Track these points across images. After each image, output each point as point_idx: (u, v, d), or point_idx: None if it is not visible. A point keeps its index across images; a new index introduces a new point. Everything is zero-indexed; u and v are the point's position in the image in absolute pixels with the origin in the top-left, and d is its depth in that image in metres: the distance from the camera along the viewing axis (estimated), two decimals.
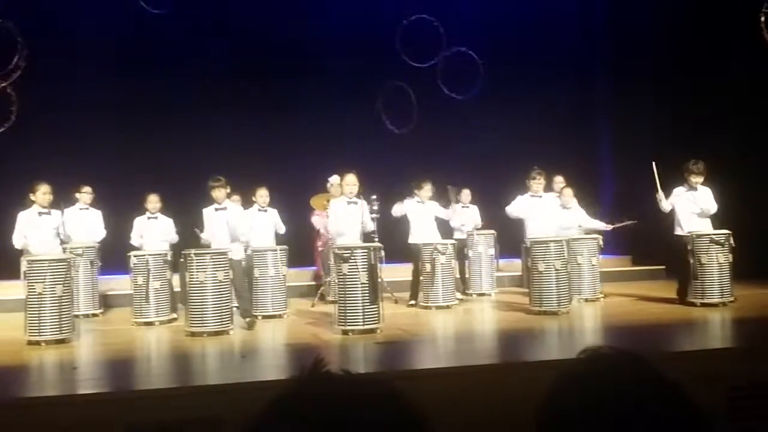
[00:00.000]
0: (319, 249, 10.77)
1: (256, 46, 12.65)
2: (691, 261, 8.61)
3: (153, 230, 9.51)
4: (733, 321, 7.80)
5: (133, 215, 9.60)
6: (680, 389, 1.07)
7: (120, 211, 10.03)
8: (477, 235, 10.91)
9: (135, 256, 8.89)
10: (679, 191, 8.97)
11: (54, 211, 8.48)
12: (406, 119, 11.17)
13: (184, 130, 12.12)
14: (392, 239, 9.45)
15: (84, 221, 9.84)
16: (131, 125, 12.01)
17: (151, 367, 6.66)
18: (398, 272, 10.27)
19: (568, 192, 10.15)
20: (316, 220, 10.66)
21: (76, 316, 8.22)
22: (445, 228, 10.32)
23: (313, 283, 11.15)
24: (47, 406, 4.84)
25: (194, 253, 7.87)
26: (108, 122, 11.91)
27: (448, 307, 9.28)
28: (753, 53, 9.39)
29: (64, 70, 11.70)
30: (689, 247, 8.66)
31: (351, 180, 8.27)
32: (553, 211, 9.43)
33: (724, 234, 8.66)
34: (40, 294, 7.38)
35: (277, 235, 9.79)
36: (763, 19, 8.75)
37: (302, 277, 11.24)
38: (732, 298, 8.56)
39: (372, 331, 7.47)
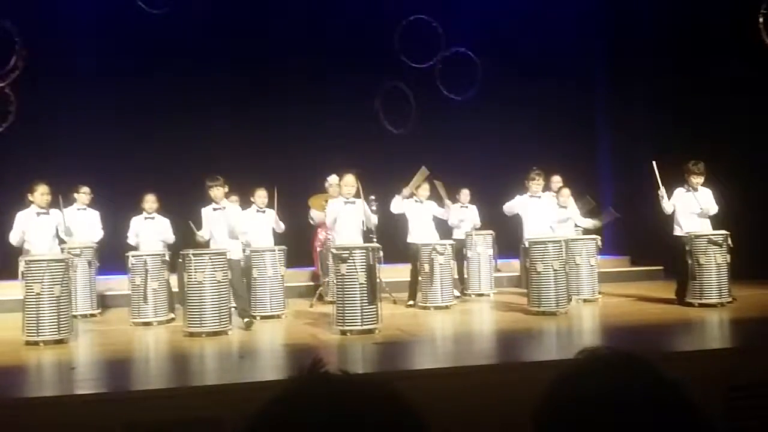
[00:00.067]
0: (318, 249, 10.76)
1: (255, 47, 12.64)
2: (689, 261, 8.62)
3: (150, 230, 9.49)
4: (732, 321, 7.80)
5: (130, 215, 9.59)
6: (680, 389, 1.07)
7: (118, 211, 10.02)
8: (476, 235, 10.92)
9: (133, 256, 8.88)
10: (679, 192, 8.97)
11: (53, 211, 8.46)
12: (405, 119, 11.17)
13: (182, 130, 12.12)
14: (391, 240, 9.45)
15: (82, 221, 9.83)
16: (129, 125, 12.00)
17: (149, 368, 6.65)
18: (397, 273, 10.27)
19: (566, 192, 10.17)
20: (315, 213, 10.62)
21: (74, 317, 8.22)
22: (444, 228, 10.33)
23: (312, 283, 11.14)
24: (45, 406, 4.84)
25: (192, 254, 7.86)
26: (106, 122, 11.90)
27: (446, 307, 9.28)
28: (753, 53, 9.40)
29: (62, 70, 11.69)
30: (687, 248, 8.66)
31: (349, 180, 8.27)
32: (550, 211, 9.45)
33: (722, 234, 8.66)
34: (38, 294, 7.38)
35: (276, 235, 9.78)
36: (761, 20, 8.75)
37: (301, 277, 11.24)
38: (730, 299, 8.56)
39: (370, 331, 7.47)
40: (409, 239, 9.82)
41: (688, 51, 11.47)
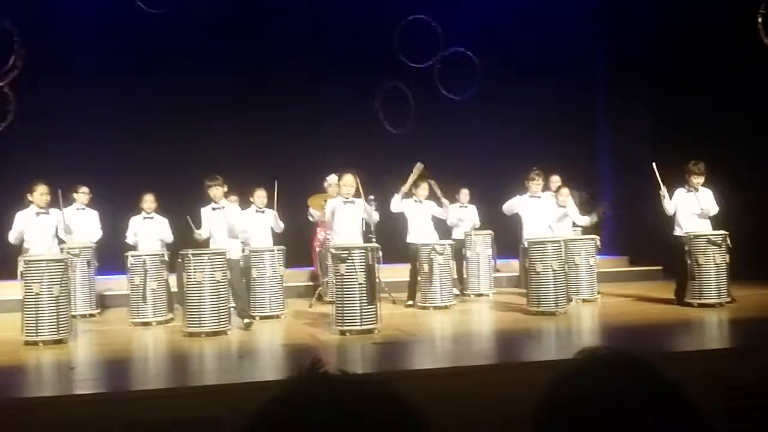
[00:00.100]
0: (317, 249, 10.76)
1: (255, 47, 12.63)
2: (689, 262, 8.62)
3: (148, 230, 9.48)
4: (731, 321, 7.80)
5: (129, 215, 9.58)
6: (679, 389, 1.07)
7: (117, 211, 10.01)
8: (475, 235, 10.91)
9: (132, 256, 8.88)
10: (679, 192, 8.97)
11: (52, 210, 8.46)
12: (404, 119, 11.17)
13: (182, 130, 12.10)
14: (390, 240, 9.45)
15: (81, 221, 9.82)
16: (129, 125, 11.99)
17: (149, 368, 6.66)
18: (396, 273, 10.26)
19: (565, 191, 10.16)
20: (314, 211, 10.60)
21: (74, 317, 8.21)
22: (443, 228, 10.33)
23: (311, 283, 11.14)
24: (44, 406, 4.84)
25: (192, 254, 7.86)
26: (105, 122, 11.89)
27: (445, 307, 9.28)
28: (753, 54, 9.39)
29: (61, 70, 11.68)
30: (686, 248, 8.66)
31: (348, 180, 8.27)
32: (550, 211, 9.46)
33: (721, 234, 8.66)
34: (37, 294, 7.37)
35: (275, 235, 9.76)
36: (760, 20, 8.75)
37: (300, 277, 11.23)
38: (729, 299, 8.56)
39: (370, 331, 7.47)
40: (409, 239, 9.82)
41: (688, 51, 11.47)
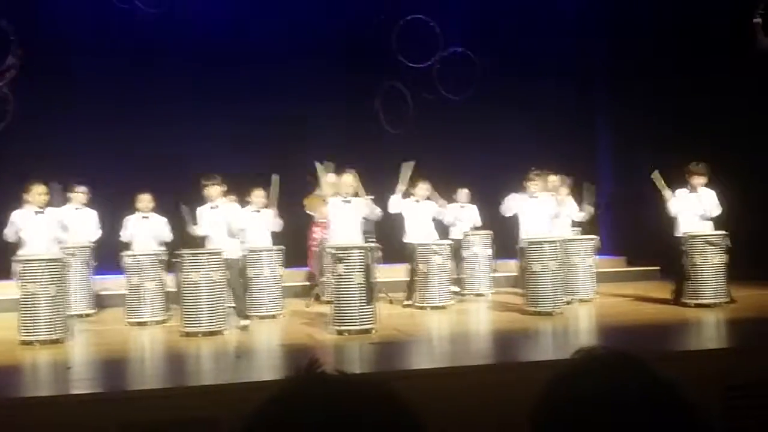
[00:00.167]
0: (313, 249, 10.74)
1: (253, 46, 12.62)
2: (685, 262, 8.61)
3: (145, 230, 9.45)
4: (729, 321, 7.81)
5: (127, 215, 9.56)
6: (676, 389, 1.07)
7: (115, 210, 10.00)
8: (473, 235, 10.91)
9: (129, 256, 8.86)
10: (681, 193, 8.96)
11: (49, 209, 8.44)
12: (403, 119, 11.17)
13: (180, 130, 12.09)
14: (388, 240, 9.44)
15: (78, 221, 9.80)
16: (127, 125, 11.97)
17: (145, 368, 6.65)
18: (394, 272, 10.25)
19: (564, 191, 10.16)
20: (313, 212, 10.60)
21: (70, 316, 8.19)
22: (442, 228, 10.32)
23: (308, 283, 11.13)
24: (41, 406, 4.83)
25: (188, 253, 7.85)
26: (103, 122, 11.87)
27: (443, 307, 9.27)
28: (752, 54, 9.39)
29: (59, 69, 11.67)
30: (684, 248, 8.66)
31: (348, 180, 8.26)
32: (548, 211, 9.44)
33: (720, 235, 8.66)
34: (33, 294, 7.36)
35: (274, 235, 9.74)
36: (759, 20, 8.75)
37: (297, 277, 11.21)
38: (728, 299, 8.56)
39: (367, 331, 7.46)
40: (406, 239, 9.81)
41: (688, 51, 11.47)
